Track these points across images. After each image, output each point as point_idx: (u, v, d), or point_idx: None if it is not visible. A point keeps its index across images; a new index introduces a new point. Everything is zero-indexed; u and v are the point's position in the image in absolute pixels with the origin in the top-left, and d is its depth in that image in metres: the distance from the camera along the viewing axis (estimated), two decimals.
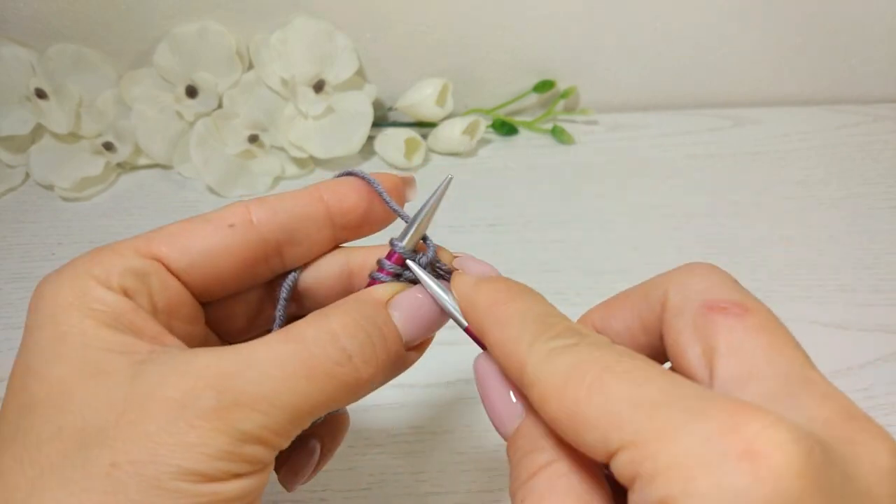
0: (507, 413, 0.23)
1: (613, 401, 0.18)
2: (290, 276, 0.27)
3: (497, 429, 0.23)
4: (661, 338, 0.23)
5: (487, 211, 0.58)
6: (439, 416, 0.43)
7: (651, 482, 0.16)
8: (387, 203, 0.27)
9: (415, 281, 0.26)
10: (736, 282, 0.22)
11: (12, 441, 0.20)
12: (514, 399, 0.23)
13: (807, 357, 0.20)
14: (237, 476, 0.20)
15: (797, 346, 0.20)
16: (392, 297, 0.25)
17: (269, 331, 0.30)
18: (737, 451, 0.16)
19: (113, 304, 0.22)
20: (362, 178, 0.27)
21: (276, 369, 0.21)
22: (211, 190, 0.60)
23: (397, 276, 0.26)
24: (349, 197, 0.27)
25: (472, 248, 0.59)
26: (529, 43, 0.65)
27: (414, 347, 0.26)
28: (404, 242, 0.26)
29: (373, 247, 0.28)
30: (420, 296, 0.25)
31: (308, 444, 0.29)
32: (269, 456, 0.21)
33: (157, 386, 0.20)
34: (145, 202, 0.60)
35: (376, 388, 0.24)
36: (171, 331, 0.24)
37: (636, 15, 0.64)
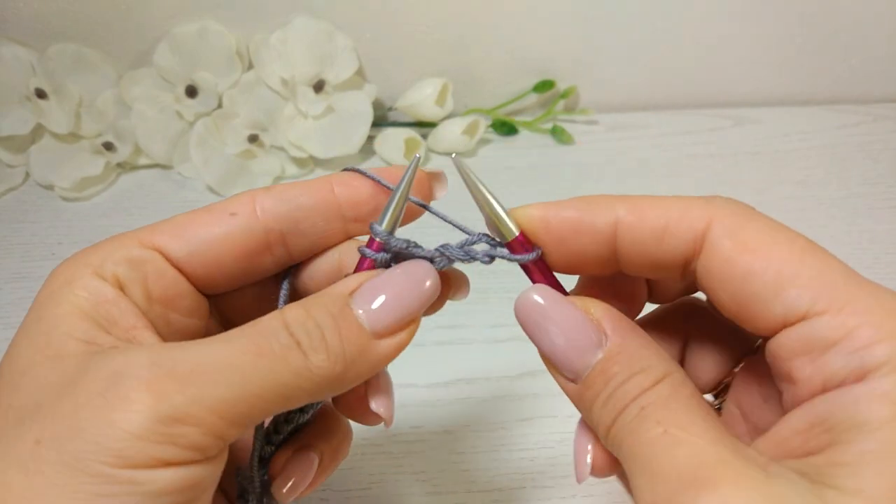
0: (588, 341, 0.21)
1: (830, 268, 0.19)
2: (290, 272, 0.27)
3: (569, 362, 0.22)
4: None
5: None
6: (439, 416, 0.43)
7: (867, 347, 0.18)
8: (392, 189, 0.26)
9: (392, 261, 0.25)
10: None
11: None
12: (590, 323, 0.22)
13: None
14: (167, 464, 0.19)
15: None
16: (356, 287, 0.23)
17: None
18: None
19: (95, 293, 0.22)
20: (365, 175, 0.26)
21: (220, 347, 0.20)
22: (211, 190, 0.60)
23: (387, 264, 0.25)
24: (362, 189, 0.26)
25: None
26: (529, 43, 0.65)
27: (392, 333, 0.23)
28: (383, 226, 0.25)
29: (356, 240, 0.27)
30: (385, 282, 0.23)
31: (306, 455, 0.27)
32: (209, 443, 0.19)
33: (98, 368, 0.20)
34: (145, 202, 0.60)
35: (348, 381, 0.23)
36: (169, 323, 0.24)
37: (636, 15, 0.64)
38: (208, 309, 0.26)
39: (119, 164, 0.62)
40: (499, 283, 0.47)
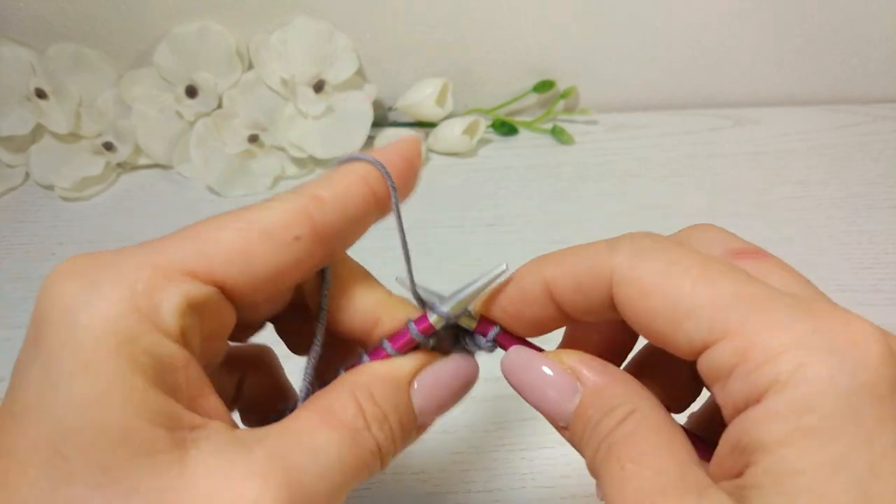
0: (564, 391, 0.23)
1: (720, 293, 0.19)
2: (325, 284, 0.25)
3: (553, 413, 0.23)
4: None
5: (487, 211, 0.58)
6: None
7: (758, 368, 0.18)
8: (394, 202, 0.24)
9: (437, 349, 0.25)
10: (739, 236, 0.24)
11: None
12: (565, 375, 0.23)
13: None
14: None
15: (808, 280, 0.22)
16: (415, 373, 0.24)
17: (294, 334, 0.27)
18: (844, 342, 0.17)
19: (164, 357, 0.18)
20: (371, 163, 0.24)
21: (335, 461, 0.20)
22: (211, 190, 0.60)
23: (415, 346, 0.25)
24: (385, 181, 0.23)
25: (472, 248, 0.59)
26: (529, 43, 0.65)
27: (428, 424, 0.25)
28: (448, 309, 0.24)
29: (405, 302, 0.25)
30: (443, 372, 0.24)
31: None
32: None
33: (218, 487, 0.18)
34: (145, 202, 0.59)
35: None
36: (204, 352, 0.21)
37: (636, 15, 0.64)
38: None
39: (119, 164, 0.62)
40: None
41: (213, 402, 0.20)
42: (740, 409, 0.18)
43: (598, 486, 0.22)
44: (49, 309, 0.18)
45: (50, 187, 0.59)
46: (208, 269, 0.20)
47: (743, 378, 0.18)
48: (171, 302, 0.19)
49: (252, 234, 0.20)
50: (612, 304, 0.22)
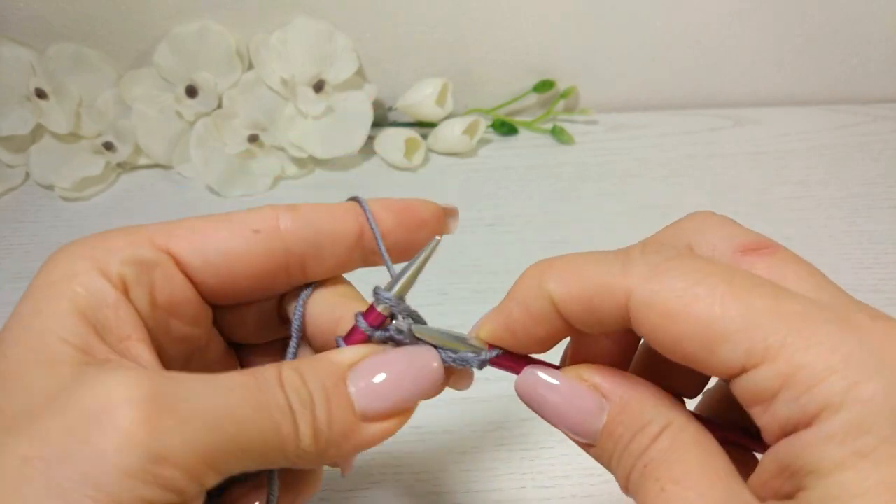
0: (590, 410, 0.21)
1: (753, 313, 0.18)
2: (304, 292, 0.26)
3: (580, 433, 0.22)
4: None
5: (487, 211, 0.58)
6: (439, 416, 0.43)
7: (808, 391, 0.17)
8: (377, 241, 0.25)
9: (390, 341, 0.24)
10: (741, 224, 0.23)
11: None
12: (588, 391, 0.22)
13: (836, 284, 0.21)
14: None
15: (823, 274, 0.21)
16: (356, 361, 0.23)
17: (280, 341, 0.28)
18: (893, 356, 0.17)
19: (96, 293, 0.21)
20: (361, 205, 0.25)
21: (224, 389, 0.20)
22: (211, 190, 0.60)
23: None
24: (385, 221, 0.25)
25: (472, 248, 0.59)
26: (529, 43, 0.65)
27: (381, 419, 0.23)
28: (392, 293, 0.24)
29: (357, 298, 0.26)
30: (387, 363, 0.23)
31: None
32: (189, 488, 0.19)
33: (92, 387, 0.19)
34: (145, 202, 0.60)
35: (326, 459, 0.22)
36: (169, 330, 0.23)
37: (636, 15, 0.64)
38: (211, 318, 0.26)
39: (119, 164, 0.62)
40: (500, 285, 0.47)
41: (141, 350, 0.21)
42: (788, 432, 0.18)
43: None
44: (50, 257, 0.22)
45: (50, 187, 0.59)
46: (166, 240, 0.23)
47: (790, 402, 0.17)
48: (119, 254, 0.22)
49: (215, 221, 0.24)
50: (626, 320, 0.20)
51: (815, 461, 0.17)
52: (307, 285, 0.26)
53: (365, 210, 0.25)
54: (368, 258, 0.26)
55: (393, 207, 0.26)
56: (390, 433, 0.23)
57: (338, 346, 0.24)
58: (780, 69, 0.69)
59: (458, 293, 0.50)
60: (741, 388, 0.18)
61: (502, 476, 0.40)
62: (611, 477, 0.22)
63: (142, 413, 0.18)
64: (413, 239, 0.26)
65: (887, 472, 0.16)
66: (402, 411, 0.23)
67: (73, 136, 0.61)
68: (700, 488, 0.19)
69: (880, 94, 0.70)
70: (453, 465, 0.41)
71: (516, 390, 0.23)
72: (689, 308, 0.19)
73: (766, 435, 0.19)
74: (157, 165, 0.62)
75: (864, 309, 0.19)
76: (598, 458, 0.22)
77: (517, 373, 0.24)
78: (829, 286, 0.20)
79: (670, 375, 0.23)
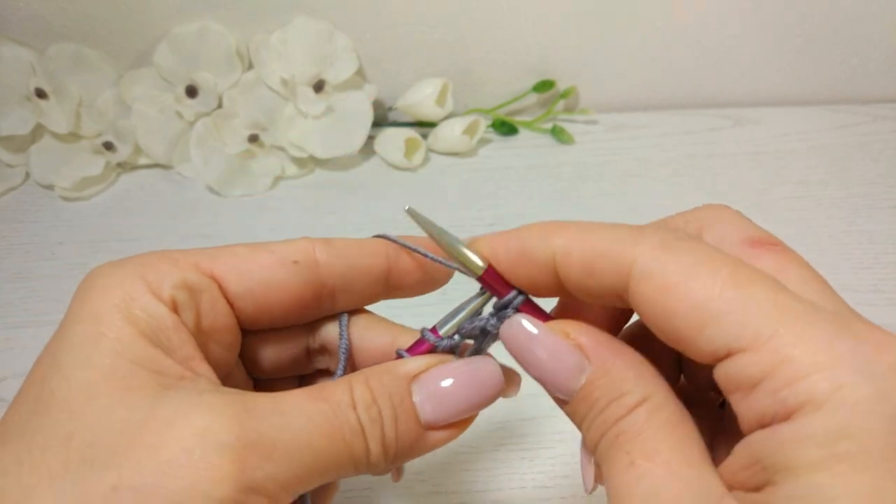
0: (570, 367, 0.21)
1: (750, 301, 0.18)
2: (343, 318, 0.27)
3: (556, 388, 0.22)
4: None
5: (487, 211, 0.58)
6: None
7: (790, 385, 0.17)
8: (441, 262, 0.26)
9: (452, 351, 0.25)
10: (753, 221, 0.23)
11: (19, 437, 0.19)
12: (572, 350, 0.21)
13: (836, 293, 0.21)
14: None
15: (827, 282, 0.21)
16: (420, 371, 0.24)
17: (300, 378, 0.29)
18: (886, 364, 0.17)
19: (156, 316, 0.21)
20: (400, 244, 0.26)
21: (302, 421, 0.21)
22: (211, 190, 0.60)
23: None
24: (411, 261, 0.26)
25: None
26: (529, 43, 0.65)
27: (443, 428, 0.24)
28: (443, 330, 0.25)
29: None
30: (452, 373, 0.24)
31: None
32: None
33: (179, 415, 0.19)
34: (145, 202, 0.59)
35: (383, 469, 0.23)
36: (207, 354, 0.23)
37: (636, 15, 0.64)
38: (240, 345, 0.26)
39: (119, 164, 0.62)
40: None
41: (205, 369, 0.22)
42: (764, 424, 0.18)
43: (598, 469, 0.21)
44: (82, 283, 0.22)
45: (50, 187, 0.59)
46: (210, 265, 0.24)
47: (771, 393, 0.17)
48: (170, 278, 0.22)
49: (255, 250, 0.24)
50: (621, 293, 0.20)
51: (789, 458, 0.17)
52: (341, 313, 0.27)
53: (412, 248, 0.26)
54: (391, 292, 0.27)
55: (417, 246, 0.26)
56: (452, 439, 0.24)
57: (398, 357, 0.25)
58: (780, 69, 0.69)
59: (457, 293, 0.49)
60: (724, 372, 0.18)
61: (502, 476, 0.40)
62: None
63: (233, 453, 0.19)
64: (432, 277, 0.27)
65: (866, 479, 0.16)
66: (465, 420, 0.24)
67: (73, 136, 0.61)
68: (671, 467, 0.19)
69: (880, 94, 0.70)
70: (453, 465, 0.41)
71: (500, 335, 0.23)
72: (688, 284, 0.19)
73: (743, 423, 0.19)
74: (157, 165, 0.62)
75: (862, 320, 0.19)
76: (569, 414, 0.22)
77: (501, 296, 0.24)
78: (831, 294, 0.20)
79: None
